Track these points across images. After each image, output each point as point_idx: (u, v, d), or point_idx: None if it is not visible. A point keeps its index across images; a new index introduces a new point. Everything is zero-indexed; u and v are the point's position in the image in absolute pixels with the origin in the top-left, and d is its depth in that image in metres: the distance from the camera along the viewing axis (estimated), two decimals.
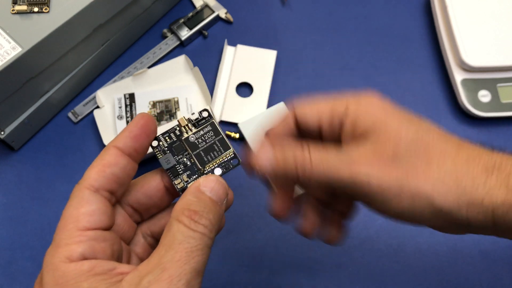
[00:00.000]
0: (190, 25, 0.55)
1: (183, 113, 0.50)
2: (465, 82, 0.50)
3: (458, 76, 0.51)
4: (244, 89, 0.53)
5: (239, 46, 0.54)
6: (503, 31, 0.51)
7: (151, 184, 0.29)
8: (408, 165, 0.26)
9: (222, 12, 0.56)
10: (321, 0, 0.58)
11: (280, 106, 0.50)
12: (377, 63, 0.55)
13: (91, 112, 0.51)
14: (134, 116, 0.49)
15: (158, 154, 0.29)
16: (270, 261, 0.46)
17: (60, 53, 0.46)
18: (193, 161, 0.29)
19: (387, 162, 0.26)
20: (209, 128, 0.29)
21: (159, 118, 0.49)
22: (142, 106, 0.50)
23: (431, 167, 0.26)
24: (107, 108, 0.50)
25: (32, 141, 0.50)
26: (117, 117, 0.49)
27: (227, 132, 0.50)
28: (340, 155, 0.27)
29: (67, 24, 0.43)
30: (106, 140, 0.48)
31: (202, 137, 0.29)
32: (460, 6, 0.52)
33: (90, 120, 0.51)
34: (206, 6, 0.56)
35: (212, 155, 0.29)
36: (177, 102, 0.50)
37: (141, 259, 0.28)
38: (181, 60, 0.52)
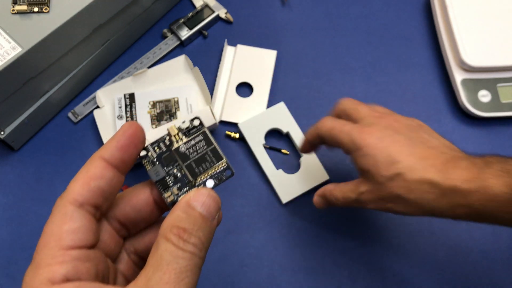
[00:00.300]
0: (190, 25, 0.55)
1: (183, 113, 0.50)
2: (465, 82, 0.50)
3: (458, 76, 0.51)
4: (244, 89, 0.53)
5: (239, 46, 0.54)
6: (503, 31, 0.51)
7: (140, 197, 0.27)
8: None
9: (222, 12, 0.56)
10: (321, 0, 0.58)
11: (280, 106, 0.51)
12: (377, 63, 0.55)
13: (91, 112, 0.51)
14: (134, 116, 0.49)
15: (146, 165, 0.27)
16: (270, 261, 0.46)
17: (60, 53, 0.46)
18: (184, 173, 0.27)
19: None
20: (200, 137, 0.27)
21: (159, 118, 0.50)
22: (142, 106, 0.50)
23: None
24: (107, 108, 0.50)
25: (32, 141, 0.50)
26: (117, 117, 0.49)
27: (227, 132, 0.50)
28: None
29: (67, 24, 0.43)
30: (106, 140, 0.48)
31: (194, 147, 0.27)
32: (460, 6, 0.52)
33: (90, 120, 0.51)
34: (206, 6, 0.56)
35: (204, 166, 0.27)
36: (177, 102, 0.50)
37: (127, 278, 0.27)
38: (181, 60, 0.52)
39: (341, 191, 0.38)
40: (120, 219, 0.26)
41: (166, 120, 0.49)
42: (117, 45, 0.53)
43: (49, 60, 0.45)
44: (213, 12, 0.56)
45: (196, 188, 0.27)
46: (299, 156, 0.49)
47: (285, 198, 0.47)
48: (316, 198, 0.41)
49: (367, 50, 0.55)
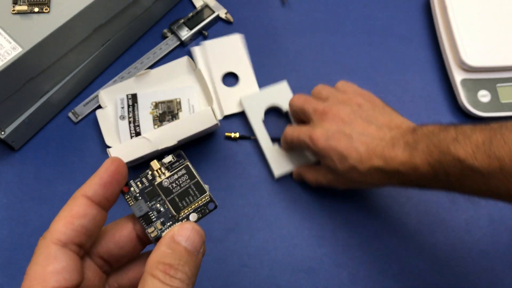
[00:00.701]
0: (190, 25, 0.55)
1: (185, 114, 0.50)
2: (465, 82, 0.50)
3: (458, 76, 0.51)
4: (230, 79, 0.53)
5: (206, 42, 0.54)
6: (503, 31, 0.51)
7: (123, 233, 0.27)
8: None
9: (222, 12, 0.56)
10: (321, 0, 0.58)
11: (283, 85, 0.51)
12: (377, 63, 0.55)
13: (92, 112, 0.51)
14: (136, 116, 0.49)
15: (129, 201, 0.27)
16: (270, 261, 0.46)
17: (60, 53, 0.46)
18: (167, 207, 0.27)
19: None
20: (183, 171, 0.27)
21: (161, 118, 0.50)
22: (145, 107, 0.50)
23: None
24: (109, 108, 0.50)
25: (33, 141, 0.50)
26: (119, 117, 0.49)
27: (227, 134, 0.50)
28: None
29: (67, 24, 0.44)
30: (108, 140, 0.49)
31: (176, 181, 0.27)
32: (460, 6, 0.52)
33: (90, 120, 0.51)
34: (206, 6, 0.56)
35: (188, 200, 0.27)
36: (179, 103, 0.50)
37: None
38: (183, 61, 0.52)
39: (313, 176, 0.45)
40: (103, 256, 0.26)
41: (168, 120, 0.49)
42: (117, 45, 0.53)
43: (49, 60, 0.45)
44: (213, 12, 0.56)
45: (180, 222, 0.27)
46: None
47: (277, 171, 0.48)
48: (295, 173, 0.48)
49: (367, 50, 0.56)
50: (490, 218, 0.48)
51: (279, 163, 0.48)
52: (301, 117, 0.45)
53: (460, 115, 0.52)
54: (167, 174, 0.27)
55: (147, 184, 0.27)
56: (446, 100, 0.53)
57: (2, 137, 0.46)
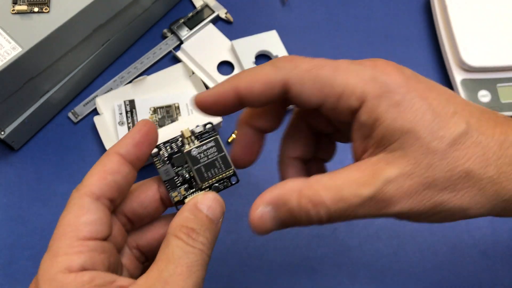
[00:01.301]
0: (190, 25, 0.55)
1: (184, 118, 0.50)
2: (465, 82, 0.50)
3: (458, 76, 0.51)
4: (225, 67, 0.54)
5: (183, 45, 0.54)
6: (503, 31, 0.51)
7: (148, 194, 0.28)
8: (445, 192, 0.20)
9: (222, 12, 0.56)
10: (321, 0, 0.58)
11: (272, 33, 0.53)
12: None
13: (91, 112, 0.51)
14: (135, 122, 0.49)
15: (157, 163, 0.28)
16: (270, 261, 0.46)
17: (60, 53, 0.46)
18: (192, 175, 0.28)
19: (422, 189, 0.20)
20: (212, 143, 0.28)
21: (161, 123, 0.50)
22: (143, 112, 0.50)
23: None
24: (106, 114, 0.50)
25: (32, 141, 0.50)
26: (118, 123, 0.49)
27: (229, 140, 0.50)
28: (366, 192, 0.20)
29: (67, 24, 0.43)
30: (108, 145, 0.49)
31: (204, 152, 0.28)
32: (460, 6, 0.52)
33: (90, 120, 0.51)
34: (206, 6, 0.56)
35: (213, 171, 0.28)
36: (178, 107, 0.50)
37: (129, 272, 0.28)
38: (179, 67, 0.52)
39: (332, 189, 0.22)
40: (127, 214, 0.27)
41: (167, 125, 0.49)
42: (117, 45, 0.53)
43: (49, 60, 0.45)
44: (213, 12, 0.56)
45: (203, 192, 0.28)
46: None
47: None
48: (260, 210, 0.23)
49: (367, 50, 0.55)
50: (490, 218, 0.47)
51: None
52: None
53: None
54: (196, 143, 0.28)
55: (176, 150, 0.28)
56: None
57: (2, 137, 0.46)
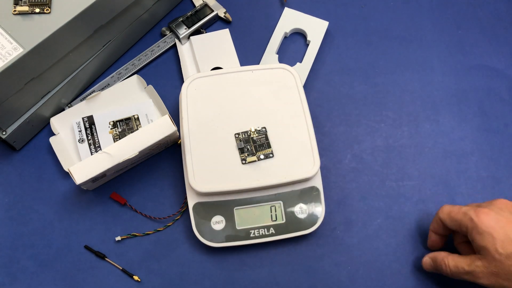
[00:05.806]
0: (188, 23, 0.55)
1: (145, 128, 0.46)
2: (196, 206, 0.45)
3: (191, 202, 0.46)
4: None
5: (192, 38, 0.54)
6: (220, 156, 0.45)
7: None
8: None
9: (221, 12, 0.56)
10: (321, 1, 0.58)
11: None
12: (377, 63, 0.55)
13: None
14: (96, 137, 0.48)
15: (237, 141, 0.44)
16: (270, 261, 0.46)
17: (61, 54, 0.46)
18: (251, 148, 0.44)
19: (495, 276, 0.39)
20: (263, 135, 0.41)
21: (121, 136, 0.49)
22: (103, 127, 0.49)
23: None
24: (62, 134, 0.49)
25: (33, 141, 0.51)
26: (78, 140, 0.48)
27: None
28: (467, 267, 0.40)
29: (68, 25, 0.44)
30: (66, 166, 0.48)
31: (258, 138, 0.45)
32: (191, 133, 0.46)
33: None
34: (205, 5, 0.56)
35: (261, 147, 0.44)
36: (138, 119, 0.50)
37: None
38: (133, 80, 0.52)
39: (454, 260, 0.41)
40: None
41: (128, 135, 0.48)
42: (118, 46, 0.53)
43: (50, 60, 0.45)
44: (212, 11, 0.56)
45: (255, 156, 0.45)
46: None
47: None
48: (426, 259, 0.44)
49: (368, 50, 0.56)
50: None
51: None
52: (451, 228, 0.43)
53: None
54: (256, 134, 0.45)
55: (245, 137, 0.45)
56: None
57: (4, 137, 0.46)
